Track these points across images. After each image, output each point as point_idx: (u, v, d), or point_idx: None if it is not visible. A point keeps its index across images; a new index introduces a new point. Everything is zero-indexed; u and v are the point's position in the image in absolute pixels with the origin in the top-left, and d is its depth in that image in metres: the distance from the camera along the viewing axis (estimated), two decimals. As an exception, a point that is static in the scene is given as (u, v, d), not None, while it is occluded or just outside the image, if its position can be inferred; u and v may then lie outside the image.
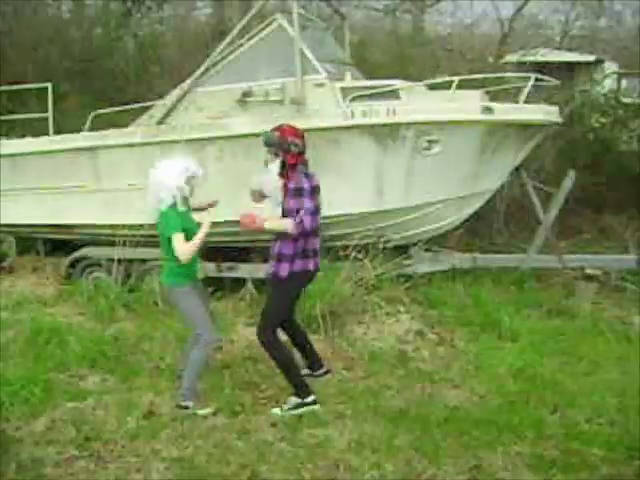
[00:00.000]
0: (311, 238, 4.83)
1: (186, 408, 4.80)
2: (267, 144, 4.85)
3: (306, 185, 4.71)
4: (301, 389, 4.86)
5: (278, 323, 5.00)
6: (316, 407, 4.83)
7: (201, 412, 4.78)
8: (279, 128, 4.86)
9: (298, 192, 4.68)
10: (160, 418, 4.71)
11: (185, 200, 4.84)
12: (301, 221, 4.63)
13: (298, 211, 4.65)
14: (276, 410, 4.84)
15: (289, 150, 4.75)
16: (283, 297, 4.97)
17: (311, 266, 4.90)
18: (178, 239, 4.67)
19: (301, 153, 4.80)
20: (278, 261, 4.78)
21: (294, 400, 4.85)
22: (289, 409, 4.81)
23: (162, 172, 4.78)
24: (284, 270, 4.77)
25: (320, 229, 4.96)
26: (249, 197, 5.12)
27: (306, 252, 4.83)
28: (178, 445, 4.34)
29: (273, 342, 4.88)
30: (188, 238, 4.70)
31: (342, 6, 11.50)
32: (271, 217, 4.81)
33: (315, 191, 4.81)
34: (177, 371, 5.31)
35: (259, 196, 5.07)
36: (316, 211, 4.80)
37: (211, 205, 5.12)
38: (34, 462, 4.14)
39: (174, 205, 4.77)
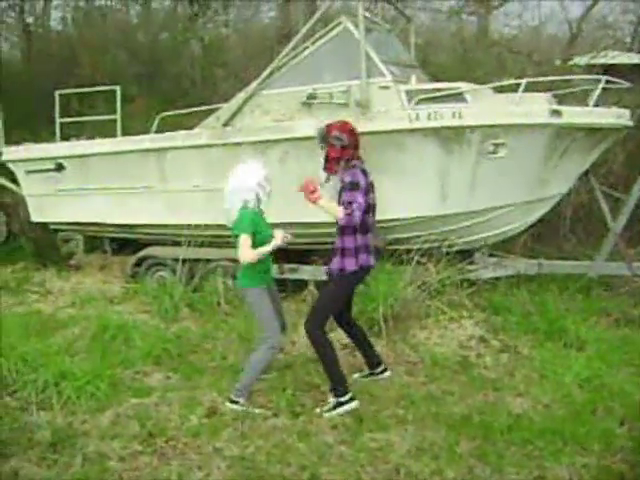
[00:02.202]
0: (367, 234, 4.89)
1: (236, 403, 4.87)
2: (317, 139, 5.00)
3: (362, 181, 4.75)
4: (339, 386, 4.86)
5: (328, 318, 5.02)
6: (353, 404, 4.82)
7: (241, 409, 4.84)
8: (329, 124, 4.98)
9: (353, 186, 4.73)
10: (222, 417, 4.76)
11: (259, 202, 4.92)
12: (352, 213, 4.65)
13: (350, 203, 4.68)
14: (317, 410, 4.86)
15: (331, 144, 4.86)
16: (340, 292, 5.00)
17: (372, 261, 4.96)
18: (244, 240, 4.75)
19: (345, 147, 4.83)
20: (343, 256, 4.85)
21: (332, 400, 4.87)
22: (328, 410, 4.82)
23: (241, 174, 4.88)
24: (350, 265, 4.83)
25: (376, 227, 4.96)
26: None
27: (367, 247, 4.89)
28: (239, 444, 4.37)
29: (320, 337, 4.91)
30: (260, 240, 4.80)
31: (407, 8, 11.45)
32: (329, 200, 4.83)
33: (370, 188, 4.86)
34: (241, 366, 5.38)
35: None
36: (371, 208, 4.84)
37: (284, 237, 4.97)
38: (99, 455, 4.22)
39: (252, 205, 4.86)
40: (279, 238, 4.85)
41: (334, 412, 4.79)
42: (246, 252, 4.75)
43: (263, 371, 5.06)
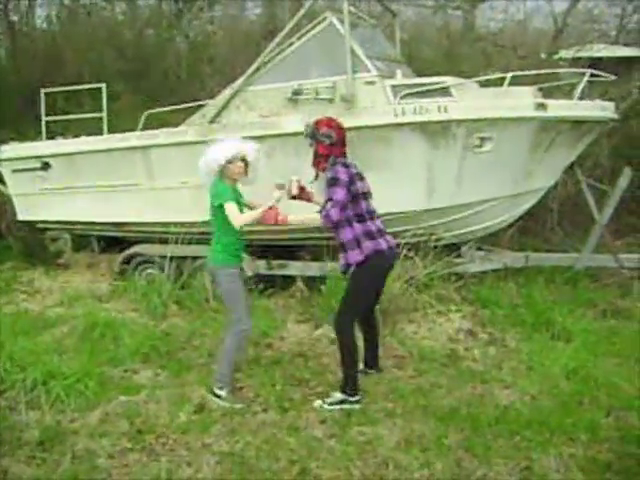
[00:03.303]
0: (367, 221, 4.85)
1: (219, 397, 4.90)
2: (304, 135, 5.00)
3: (343, 175, 4.74)
4: (350, 386, 4.86)
5: (358, 313, 5.01)
6: (356, 406, 4.82)
7: (224, 404, 4.85)
8: (317, 120, 4.98)
9: (333, 182, 4.73)
10: (211, 413, 4.77)
11: (228, 180, 4.96)
12: (326, 212, 4.68)
13: (328, 200, 4.71)
14: (319, 402, 4.87)
15: (320, 140, 4.87)
16: (362, 284, 4.91)
17: (383, 245, 4.86)
18: (231, 207, 4.78)
19: (334, 144, 4.85)
20: (344, 250, 4.84)
21: (339, 396, 4.86)
22: (332, 403, 4.83)
23: (213, 147, 4.95)
24: (355, 256, 4.80)
25: (375, 212, 4.97)
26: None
27: (370, 234, 4.83)
28: (228, 440, 4.38)
29: (348, 331, 4.86)
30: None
31: (392, 3, 11.43)
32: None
33: (355, 179, 4.81)
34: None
35: (289, 190, 5.09)
36: (362, 196, 4.84)
37: (280, 187, 4.99)
38: (88, 453, 4.22)
39: (221, 180, 4.91)
40: (275, 195, 4.86)
41: (336, 407, 4.80)
42: (238, 217, 4.78)
43: (237, 356, 5.08)
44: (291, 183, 5.06)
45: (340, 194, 4.69)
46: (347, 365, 4.88)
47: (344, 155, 4.92)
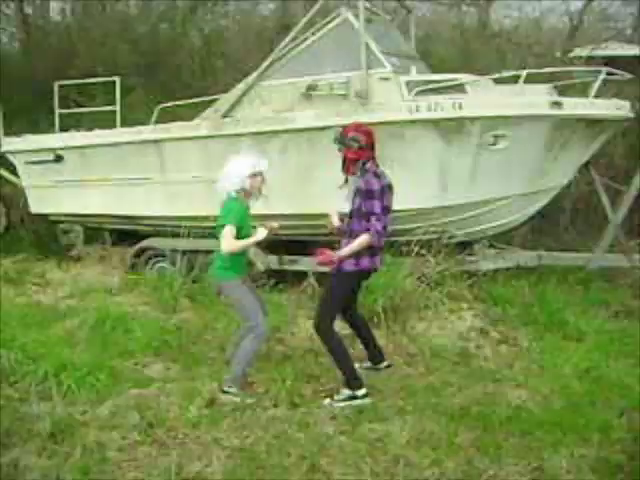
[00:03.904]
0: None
1: (228, 393, 4.90)
2: (333, 140, 4.97)
3: (376, 186, 4.73)
4: (353, 381, 4.87)
5: (335, 314, 5.02)
6: (367, 400, 4.82)
7: (235, 398, 4.87)
8: (345, 126, 4.98)
9: (369, 194, 4.72)
10: (222, 407, 4.76)
11: (246, 195, 4.96)
12: (377, 231, 4.70)
13: (369, 215, 4.70)
14: (328, 401, 4.86)
15: (349, 145, 4.84)
16: (344, 290, 5.01)
17: (377, 263, 4.97)
18: (228, 231, 4.79)
19: (362, 149, 4.82)
20: (347, 257, 4.81)
21: (346, 392, 4.86)
22: (340, 400, 4.83)
23: (230, 165, 4.94)
24: (349, 265, 4.82)
25: (387, 228, 4.96)
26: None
27: (374, 250, 4.86)
28: (239, 435, 4.38)
29: (329, 333, 4.91)
30: (243, 235, 4.86)
31: (407, -1, 11.40)
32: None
33: (385, 190, 4.81)
34: (225, 358, 5.46)
35: (329, 223, 5.12)
36: (386, 211, 4.82)
37: (271, 228, 5.11)
38: (99, 446, 4.21)
39: (237, 198, 4.90)
40: (260, 232, 4.89)
41: (346, 404, 4.79)
42: (229, 242, 4.80)
43: (252, 360, 5.09)
44: (330, 217, 5.10)
45: (378, 206, 4.71)
46: (340, 363, 4.91)
47: (373, 160, 4.89)
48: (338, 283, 4.95)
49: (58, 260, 8.81)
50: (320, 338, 4.95)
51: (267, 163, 5.02)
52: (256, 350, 5.04)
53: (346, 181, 4.96)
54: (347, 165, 4.90)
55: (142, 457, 4.13)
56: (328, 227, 5.14)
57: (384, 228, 4.83)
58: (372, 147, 4.89)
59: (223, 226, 4.82)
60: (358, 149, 4.82)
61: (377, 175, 4.81)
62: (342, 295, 5.05)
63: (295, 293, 7.28)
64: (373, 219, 4.70)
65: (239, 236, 4.83)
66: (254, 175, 4.91)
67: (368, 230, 4.71)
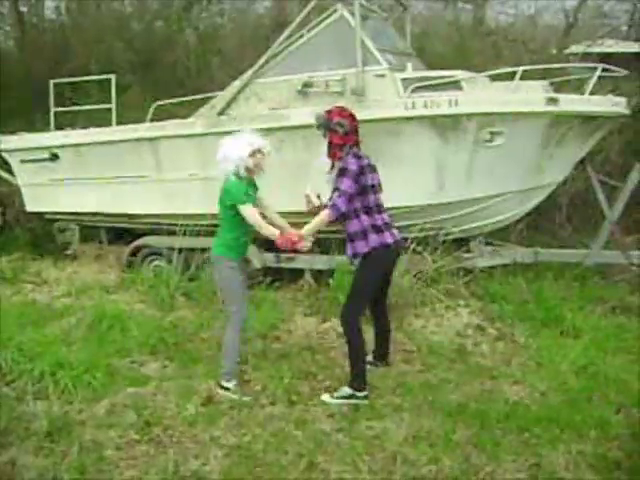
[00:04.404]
0: (375, 214, 4.84)
1: (227, 389, 4.90)
2: (316, 125, 4.97)
3: (353, 166, 4.72)
4: (358, 381, 4.84)
5: (364, 305, 4.99)
6: (365, 402, 4.80)
7: (233, 397, 4.87)
8: (328, 110, 4.95)
9: (341, 172, 4.73)
10: (219, 405, 4.76)
11: (249, 174, 4.97)
12: (333, 204, 4.67)
13: (336, 190, 4.70)
14: (326, 396, 4.86)
15: (334, 130, 4.83)
16: (367, 276, 4.89)
17: (389, 239, 4.85)
18: (247, 209, 4.81)
19: (347, 133, 4.82)
20: (351, 241, 4.83)
21: (346, 390, 4.85)
22: (339, 397, 4.82)
23: (227, 145, 4.93)
24: (361, 247, 4.79)
25: (383, 205, 4.95)
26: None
27: (376, 227, 4.82)
28: (236, 433, 4.38)
29: (354, 325, 4.83)
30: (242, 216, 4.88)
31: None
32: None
33: (365, 170, 4.78)
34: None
35: (308, 202, 5.10)
36: (371, 188, 4.81)
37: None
38: (96, 444, 4.22)
39: (238, 176, 4.90)
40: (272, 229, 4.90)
41: (344, 401, 4.79)
42: (258, 220, 4.83)
43: (238, 347, 5.07)
44: (309, 196, 5.06)
45: (346, 184, 4.68)
46: (355, 359, 4.87)
47: (357, 144, 4.89)
48: (362, 269, 4.87)
49: (54, 259, 8.81)
50: (344, 329, 4.88)
51: (266, 141, 5.02)
52: (238, 337, 5.02)
53: (332, 167, 4.95)
54: (333, 150, 4.87)
55: (139, 456, 4.13)
56: (306, 207, 5.10)
57: (380, 205, 4.86)
58: (356, 131, 4.88)
59: (232, 207, 4.84)
60: (344, 134, 4.81)
61: (357, 156, 4.79)
62: (369, 281, 4.91)
63: (291, 291, 7.28)
64: (335, 195, 4.69)
65: (238, 215, 4.85)
66: (254, 154, 4.90)
67: (326, 206, 4.72)
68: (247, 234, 5.03)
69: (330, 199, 4.77)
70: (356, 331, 4.84)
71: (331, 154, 4.90)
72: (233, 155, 4.86)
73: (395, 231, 4.97)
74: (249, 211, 4.81)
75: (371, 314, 5.33)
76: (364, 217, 4.79)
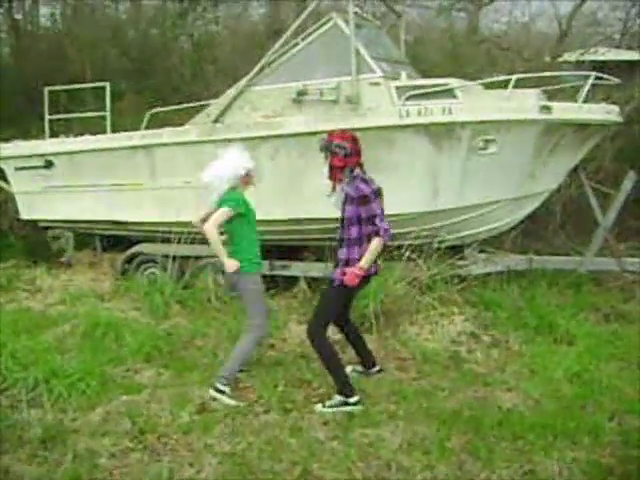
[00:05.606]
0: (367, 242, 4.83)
1: (222, 392, 4.92)
2: (319, 149, 4.97)
3: (367, 191, 4.74)
4: (345, 388, 4.86)
5: (329, 322, 5.02)
6: (358, 407, 4.81)
7: (228, 401, 4.89)
8: (330, 133, 4.99)
9: (364, 199, 4.72)
10: (213, 413, 4.76)
11: (245, 187, 5.15)
12: (386, 230, 4.71)
13: (371, 218, 4.71)
14: (319, 406, 4.86)
15: (335, 152, 4.84)
16: (339, 298, 4.99)
17: (372, 270, 4.95)
18: (221, 212, 4.93)
19: (348, 155, 4.82)
20: (347, 266, 4.81)
21: (338, 398, 4.86)
22: (332, 406, 4.82)
23: (220, 168, 5.04)
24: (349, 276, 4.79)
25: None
26: None
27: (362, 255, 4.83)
28: (230, 440, 4.37)
29: (322, 340, 4.90)
30: (249, 221, 5.07)
31: (396, 4, 11.42)
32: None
33: (377, 194, 4.81)
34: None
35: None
36: (380, 216, 4.82)
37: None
38: (90, 453, 4.21)
39: (234, 188, 5.05)
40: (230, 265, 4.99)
41: (337, 409, 4.79)
42: (211, 225, 4.90)
43: (247, 359, 5.16)
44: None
45: (377, 207, 4.74)
46: (331, 369, 4.92)
47: (360, 166, 4.90)
48: (338, 291, 4.91)
49: (48, 266, 8.78)
50: (311, 343, 4.94)
51: (245, 158, 5.13)
52: (251, 350, 5.12)
53: (334, 189, 4.96)
54: (334, 173, 4.89)
55: (133, 463, 4.12)
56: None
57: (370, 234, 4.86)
58: (358, 153, 4.88)
59: (240, 215, 4.97)
60: (344, 156, 4.82)
61: (365, 181, 4.81)
62: (341, 302, 5.05)
63: (286, 298, 7.28)
64: (377, 220, 4.71)
65: (244, 223, 4.99)
66: (247, 174, 5.07)
67: (377, 233, 4.71)
68: (256, 246, 5.16)
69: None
70: (324, 341, 4.90)
71: (331, 176, 4.91)
72: (227, 176, 4.99)
73: (378, 261, 5.05)
74: (222, 211, 4.92)
75: (335, 324, 5.32)
76: (364, 245, 4.80)
